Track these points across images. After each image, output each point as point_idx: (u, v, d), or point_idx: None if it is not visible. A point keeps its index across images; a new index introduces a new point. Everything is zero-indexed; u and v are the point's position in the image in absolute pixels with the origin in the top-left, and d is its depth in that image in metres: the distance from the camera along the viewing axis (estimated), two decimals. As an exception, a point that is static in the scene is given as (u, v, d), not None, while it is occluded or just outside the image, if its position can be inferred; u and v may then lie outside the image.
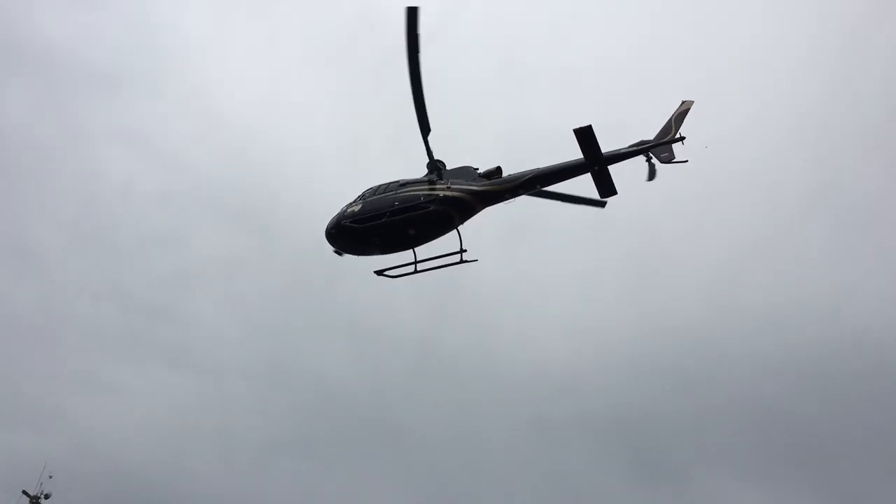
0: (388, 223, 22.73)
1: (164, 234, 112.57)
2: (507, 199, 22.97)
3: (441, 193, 22.72)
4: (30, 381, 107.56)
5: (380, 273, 23.52)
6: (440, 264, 23.08)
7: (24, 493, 49.54)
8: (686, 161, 21.51)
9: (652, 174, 21.90)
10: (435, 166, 23.59)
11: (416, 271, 23.19)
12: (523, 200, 23.44)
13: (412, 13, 20.51)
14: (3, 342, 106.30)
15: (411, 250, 23.33)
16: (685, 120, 21.93)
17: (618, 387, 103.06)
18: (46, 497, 49.73)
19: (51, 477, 50.57)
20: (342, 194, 24.15)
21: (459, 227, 23.13)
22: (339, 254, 24.01)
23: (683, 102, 22.27)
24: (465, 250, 22.94)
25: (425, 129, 22.61)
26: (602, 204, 23.75)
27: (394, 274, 23.38)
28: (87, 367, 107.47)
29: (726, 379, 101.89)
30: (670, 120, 22.00)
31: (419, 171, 23.97)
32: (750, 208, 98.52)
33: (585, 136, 21.03)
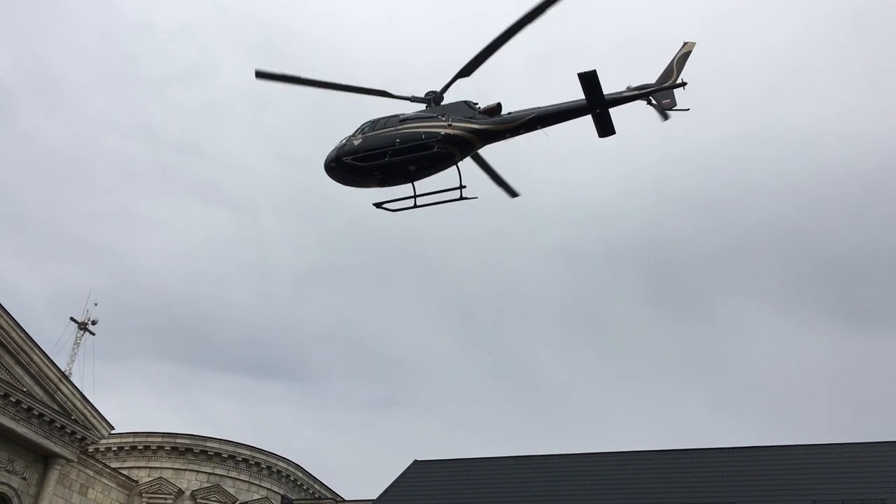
0: (389, 161, 22.68)
1: (188, 67, 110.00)
2: (508, 137, 22.67)
3: (442, 132, 22.41)
4: (69, 215, 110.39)
5: (379, 206, 23.72)
6: (440, 199, 23.21)
7: (73, 319, 53.05)
8: (688, 109, 20.82)
9: (665, 115, 21.23)
10: (432, 99, 23.18)
11: (415, 206, 23.38)
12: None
13: None
14: (41, 178, 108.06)
15: (410, 184, 23.37)
16: (686, 63, 21.03)
17: (645, 212, 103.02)
18: (93, 323, 53.20)
19: (96, 304, 54.16)
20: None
21: (459, 164, 23.02)
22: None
23: (685, 44, 21.21)
24: (465, 186, 22.94)
25: (383, 93, 23.04)
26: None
27: (393, 208, 23.59)
28: (123, 202, 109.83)
29: (753, 204, 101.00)
30: (671, 63, 21.08)
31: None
32: (784, 30, 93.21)
33: (590, 80, 20.63)
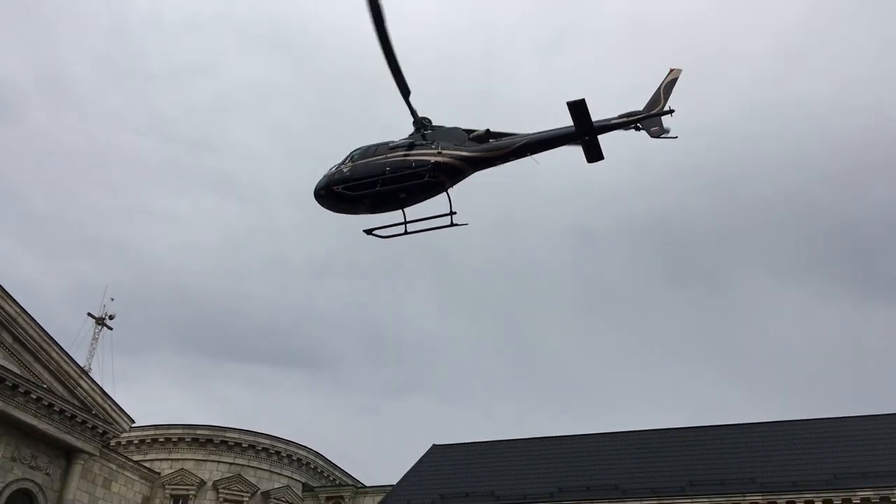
0: (379, 189, 22.57)
1: (197, 62, 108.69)
2: (498, 164, 22.47)
3: (433, 160, 22.23)
4: (85, 213, 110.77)
5: (369, 232, 23.67)
6: (430, 226, 23.11)
7: (90, 314, 53.73)
8: (676, 137, 20.46)
9: (658, 131, 20.89)
10: (421, 124, 22.95)
11: (406, 232, 23.31)
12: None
13: None
14: (55, 177, 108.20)
15: (400, 210, 23.28)
16: (673, 90, 20.67)
17: (657, 190, 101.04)
18: (111, 318, 53.96)
19: (112, 299, 54.73)
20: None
21: (449, 190, 22.86)
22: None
23: (672, 71, 20.84)
24: (455, 212, 22.79)
25: (405, 91, 22.03)
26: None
27: (384, 234, 23.54)
28: (138, 199, 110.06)
29: (767, 178, 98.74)
30: (658, 90, 20.74)
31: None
32: (796, 2, 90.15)
33: (579, 108, 20.41)
